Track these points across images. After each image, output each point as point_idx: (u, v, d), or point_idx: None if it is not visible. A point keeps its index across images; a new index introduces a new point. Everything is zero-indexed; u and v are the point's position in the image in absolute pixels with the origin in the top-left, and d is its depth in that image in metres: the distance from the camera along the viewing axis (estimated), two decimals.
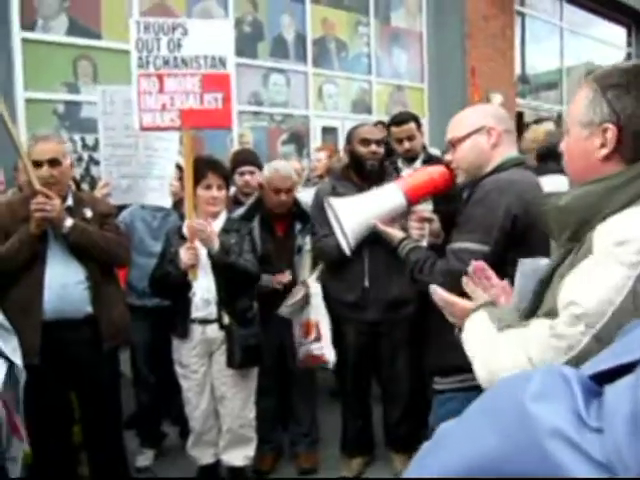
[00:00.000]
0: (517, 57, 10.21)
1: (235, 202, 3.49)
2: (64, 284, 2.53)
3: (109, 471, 2.77)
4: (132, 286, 3.25)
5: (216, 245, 2.65)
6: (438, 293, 1.52)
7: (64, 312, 2.52)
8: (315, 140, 7.61)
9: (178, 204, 3.29)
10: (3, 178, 4.20)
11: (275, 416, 3.25)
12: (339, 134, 7.74)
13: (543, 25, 11.08)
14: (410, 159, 3.48)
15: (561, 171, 2.11)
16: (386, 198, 1.97)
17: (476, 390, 1.84)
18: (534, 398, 0.49)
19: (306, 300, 2.94)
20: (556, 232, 1.21)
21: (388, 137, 3.54)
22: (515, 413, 0.49)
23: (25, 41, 5.28)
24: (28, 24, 5.32)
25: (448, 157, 1.97)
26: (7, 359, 2.06)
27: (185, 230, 2.71)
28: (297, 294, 2.94)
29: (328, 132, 7.75)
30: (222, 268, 2.69)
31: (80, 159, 5.36)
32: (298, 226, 3.14)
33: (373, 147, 2.89)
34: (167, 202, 3.22)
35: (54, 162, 2.55)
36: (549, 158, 3.26)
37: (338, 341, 2.98)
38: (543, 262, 1.34)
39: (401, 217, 2.05)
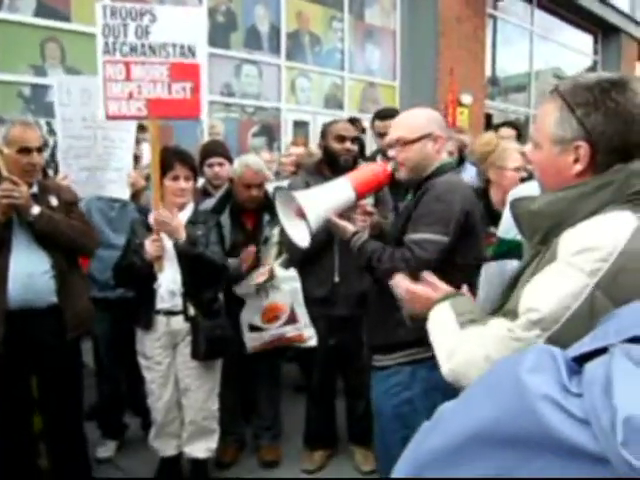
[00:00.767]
0: (488, 59, 10.37)
1: (204, 193, 3.47)
2: (29, 273, 2.47)
3: (69, 462, 2.73)
4: (94, 278, 3.18)
5: (183, 236, 2.63)
6: (402, 284, 1.55)
7: (28, 301, 2.46)
8: (286, 134, 7.59)
9: (135, 195, 3.26)
10: None
11: (238, 408, 3.26)
12: (310, 128, 7.74)
13: (514, 29, 11.27)
14: None
15: None
16: (339, 192, 2.03)
17: (421, 363, 1.94)
18: (529, 371, 0.62)
19: (271, 284, 2.95)
20: (528, 234, 1.25)
21: (362, 134, 3.57)
22: (511, 384, 0.62)
23: None
24: None
25: (392, 153, 2.09)
26: None
27: (151, 221, 2.69)
28: (259, 277, 2.94)
29: (299, 126, 7.74)
30: (188, 260, 2.67)
31: (46, 144, 5.21)
32: (267, 217, 3.14)
33: (348, 144, 2.93)
34: (125, 193, 3.17)
35: (40, 149, 2.54)
36: None
37: None
38: (508, 266, 1.39)
39: (348, 210, 2.11)
